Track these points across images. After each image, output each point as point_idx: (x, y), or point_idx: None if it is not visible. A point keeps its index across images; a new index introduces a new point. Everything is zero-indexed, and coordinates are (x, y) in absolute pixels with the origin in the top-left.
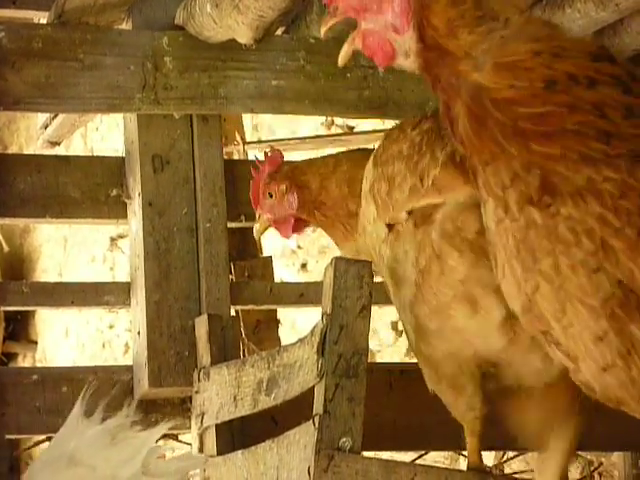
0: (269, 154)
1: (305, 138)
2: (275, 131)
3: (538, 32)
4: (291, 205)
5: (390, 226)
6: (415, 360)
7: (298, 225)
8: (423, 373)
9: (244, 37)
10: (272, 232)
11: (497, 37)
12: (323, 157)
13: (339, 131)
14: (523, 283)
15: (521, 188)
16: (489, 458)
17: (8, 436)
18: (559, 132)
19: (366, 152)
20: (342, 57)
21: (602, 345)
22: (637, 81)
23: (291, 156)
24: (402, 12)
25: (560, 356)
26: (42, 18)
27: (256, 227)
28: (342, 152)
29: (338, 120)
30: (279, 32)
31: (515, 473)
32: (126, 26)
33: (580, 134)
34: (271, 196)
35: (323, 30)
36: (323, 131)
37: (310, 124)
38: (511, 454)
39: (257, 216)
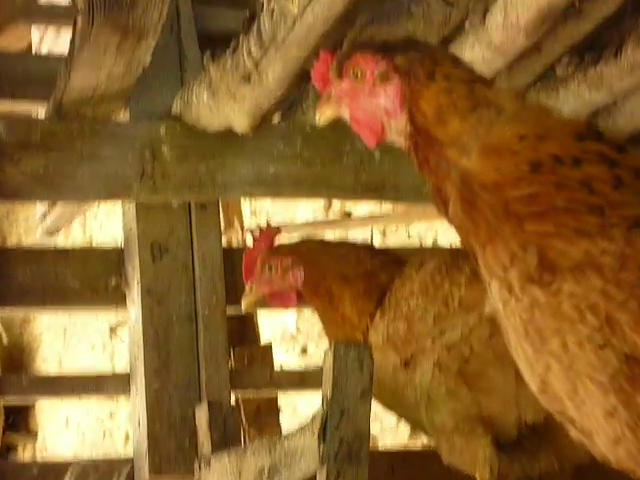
0: (264, 229)
1: (303, 223)
2: (273, 216)
3: (528, 115)
4: (296, 280)
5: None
6: (418, 446)
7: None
8: (438, 446)
9: (241, 125)
10: (269, 314)
11: (486, 124)
12: (338, 244)
13: (337, 215)
14: (535, 364)
15: (521, 267)
16: None
17: None
18: (551, 210)
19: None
20: (324, 119)
21: (613, 420)
22: (625, 153)
23: (290, 240)
24: (395, 95)
25: (575, 434)
26: (40, 111)
27: (247, 300)
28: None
29: (336, 205)
30: (276, 119)
31: None
32: (124, 116)
33: (572, 210)
34: (271, 269)
35: (318, 117)
36: (321, 215)
37: (308, 209)
38: None
39: (248, 289)
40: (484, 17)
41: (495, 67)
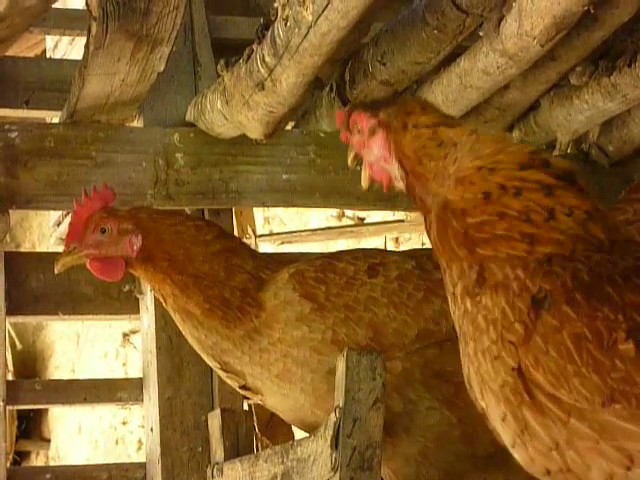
0: (99, 190)
1: (316, 230)
2: (286, 223)
3: (484, 149)
4: (132, 246)
5: None
6: None
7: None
8: None
9: (254, 132)
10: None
11: (453, 158)
12: (180, 217)
13: (349, 222)
14: (463, 364)
15: (465, 282)
16: None
17: None
18: (492, 237)
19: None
20: (350, 163)
21: (505, 425)
22: (562, 180)
23: (303, 247)
24: (383, 146)
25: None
26: (54, 117)
27: (63, 260)
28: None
29: (348, 211)
30: (289, 126)
31: None
32: (137, 123)
33: (507, 238)
34: (104, 232)
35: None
36: (334, 223)
37: (321, 216)
38: None
39: (69, 248)
40: (498, 25)
41: (509, 75)
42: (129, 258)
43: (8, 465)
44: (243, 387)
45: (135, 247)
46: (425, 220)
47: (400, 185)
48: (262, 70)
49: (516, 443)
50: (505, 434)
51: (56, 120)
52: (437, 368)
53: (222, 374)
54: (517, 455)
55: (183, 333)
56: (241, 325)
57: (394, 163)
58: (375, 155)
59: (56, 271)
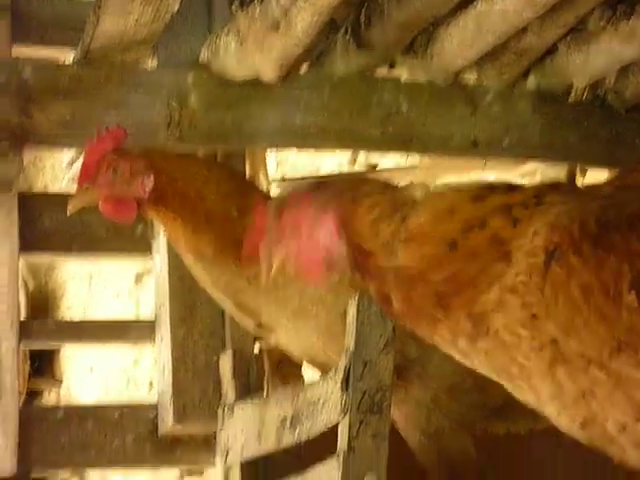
0: (111, 129)
1: (328, 176)
2: (299, 168)
3: (430, 200)
4: (144, 187)
5: None
6: None
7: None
8: None
9: (268, 75)
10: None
11: (404, 220)
12: (192, 157)
13: (362, 169)
14: (516, 391)
15: (464, 334)
16: None
17: (34, 474)
18: (468, 281)
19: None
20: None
21: (554, 401)
22: (515, 191)
23: None
24: (333, 230)
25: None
26: (68, 56)
27: (76, 201)
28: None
29: (361, 158)
30: (303, 69)
31: None
32: (152, 64)
33: (484, 269)
34: (116, 172)
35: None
36: (346, 168)
37: (334, 161)
38: None
39: (81, 189)
40: None
41: (526, 18)
42: (141, 199)
43: (21, 404)
44: (258, 326)
45: (147, 188)
46: (378, 292)
47: (334, 274)
48: (277, 11)
49: (558, 408)
50: (552, 409)
51: (70, 59)
52: None
53: (236, 314)
54: (563, 424)
55: (194, 274)
56: (255, 262)
57: (342, 245)
58: (316, 248)
59: (69, 212)
